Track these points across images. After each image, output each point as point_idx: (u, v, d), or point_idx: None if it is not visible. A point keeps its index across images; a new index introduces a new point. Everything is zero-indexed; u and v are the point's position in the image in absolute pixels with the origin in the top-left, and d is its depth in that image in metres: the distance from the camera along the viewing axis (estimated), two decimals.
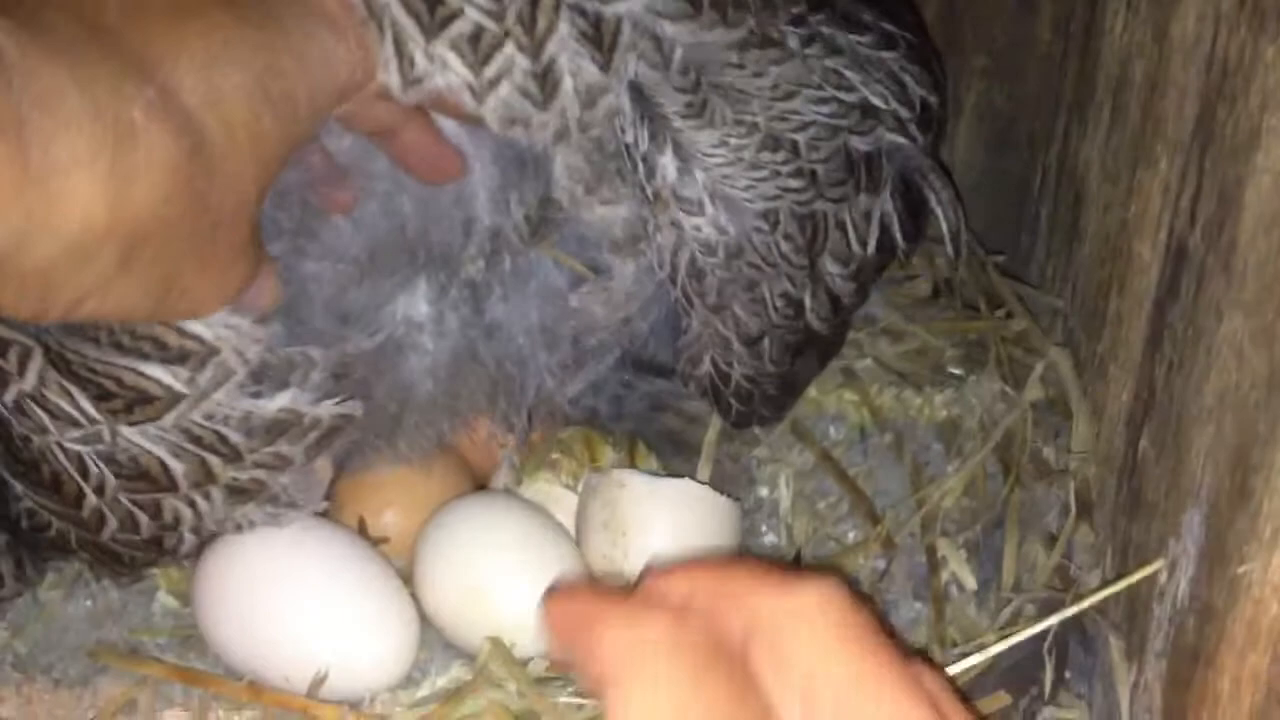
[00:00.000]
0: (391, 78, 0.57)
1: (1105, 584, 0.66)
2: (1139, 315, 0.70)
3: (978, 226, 1.11)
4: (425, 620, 0.75)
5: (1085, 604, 0.62)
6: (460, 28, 0.57)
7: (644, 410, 0.85)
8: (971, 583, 0.74)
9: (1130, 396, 0.71)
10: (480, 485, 0.84)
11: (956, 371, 0.92)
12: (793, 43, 0.69)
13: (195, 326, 0.62)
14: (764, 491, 0.87)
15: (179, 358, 0.63)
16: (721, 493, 0.77)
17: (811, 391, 0.94)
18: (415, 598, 0.75)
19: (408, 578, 0.76)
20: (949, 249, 0.78)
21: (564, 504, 0.80)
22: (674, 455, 0.85)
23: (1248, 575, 0.50)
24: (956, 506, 0.82)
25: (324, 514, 0.75)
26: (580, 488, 0.79)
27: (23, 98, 0.45)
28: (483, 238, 0.68)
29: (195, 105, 0.49)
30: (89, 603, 0.81)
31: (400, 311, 0.70)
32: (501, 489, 0.82)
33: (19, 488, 0.69)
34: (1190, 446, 0.59)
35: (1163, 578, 0.61)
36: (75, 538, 0.70)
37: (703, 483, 0.79)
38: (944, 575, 0.76)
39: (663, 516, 0.75)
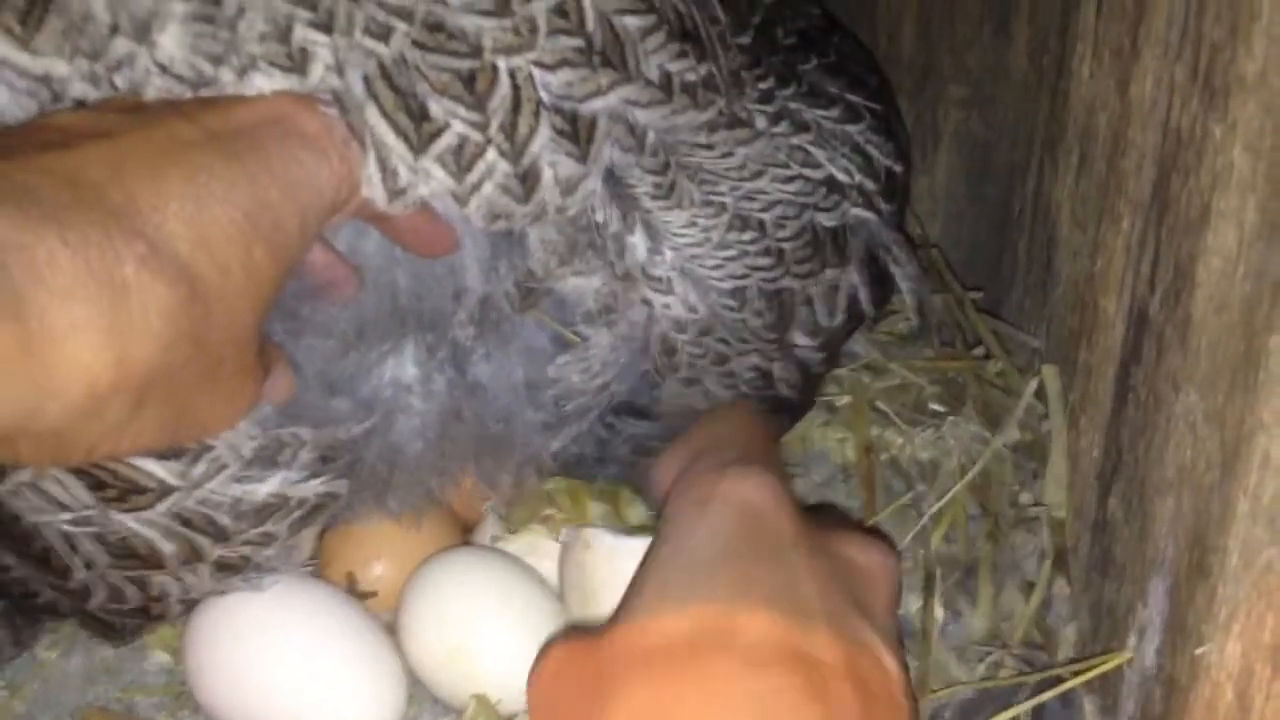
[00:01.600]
0: (376, 191, 0.58)
1: (1074, 661, 0.67)
2: (1107, 372, 0.71)
3: (960, 255, 1.12)
4: (411, 675, 0.76)
5: (1052, 693, 0.64)
6: (446, 141, 0.58)
7: (627, 454, 0.86)
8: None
9: (1100, 453, 0.72)
10: (467, 536, 0.86)
11: (938, 408, 0.93)
12: (760, 122, 0.70)
13: None
14: None
15: (174, 453, 0.65)
16: None
17: (796, 428, 0.96)
18: (401, 651, 0.76)
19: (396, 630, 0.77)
20: (914, 320, 0.79)
21: (551, 556, 0.81)
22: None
23: (1206, 656, 0.51)
24: (936, 550, 0.83)
25: (313, 567, 0.77)
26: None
27: (15, 271, 0.45)
28: (473, 305, 0.69)
29: (186, 251, 0.50)
30: (84, 660, 0.83)
31: (389, 374, 0.71)
32: (487, 541, 0.83)
33: (8, 558, 0.70)
34: (1155, 515, 0.60)
35: (1133, 640, 0.62)
36: (67, 606, 0.71)
37: None
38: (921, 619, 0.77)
39: (601, 574, 0.75)
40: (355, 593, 0.79)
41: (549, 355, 0.74)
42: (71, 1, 0.53)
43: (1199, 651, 0.51)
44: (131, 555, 0.67)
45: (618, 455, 0.85)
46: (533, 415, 0.76)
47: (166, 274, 0.49)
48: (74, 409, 0.48)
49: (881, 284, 0.77)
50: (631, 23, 0.61)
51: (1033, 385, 0.84)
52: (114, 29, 0.53)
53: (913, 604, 0.78)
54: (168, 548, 0.67)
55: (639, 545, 0.76)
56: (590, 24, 0.59)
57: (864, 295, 0.75)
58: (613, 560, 0.75)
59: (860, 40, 0.94)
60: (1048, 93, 0.94)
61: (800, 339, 0.74)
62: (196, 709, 0.77)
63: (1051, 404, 0.79)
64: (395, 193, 0.58)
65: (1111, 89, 0.74)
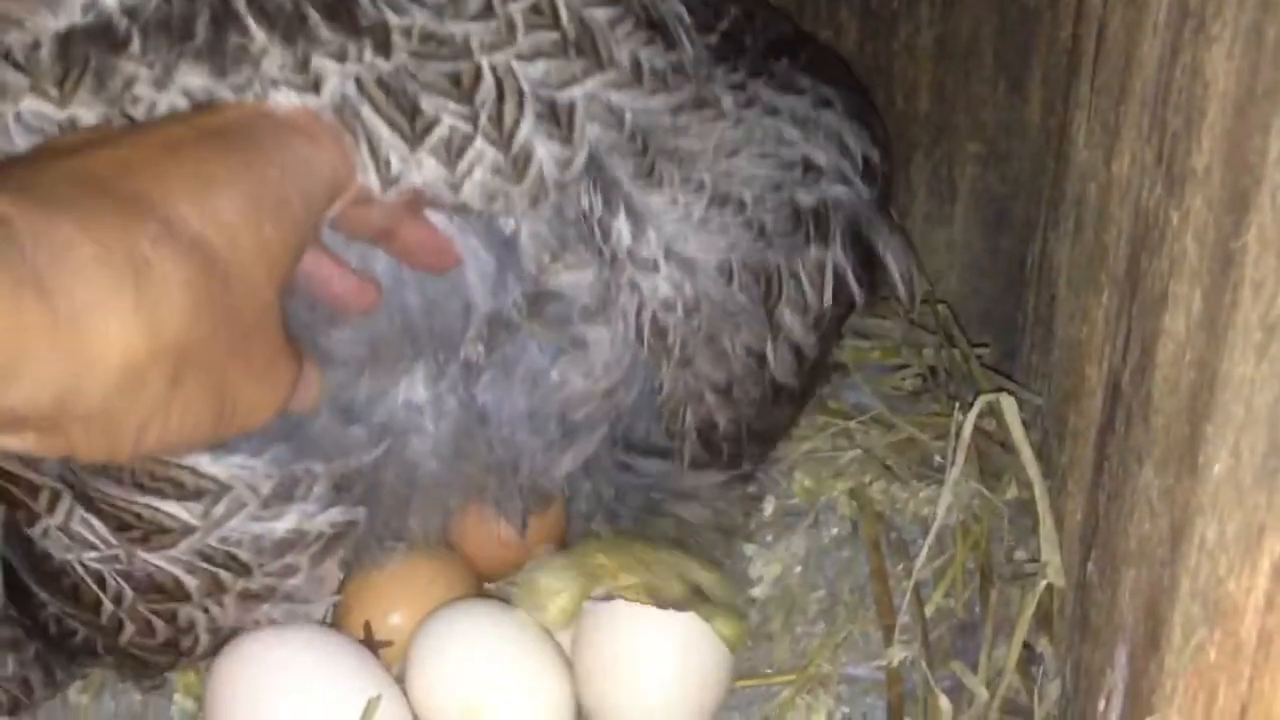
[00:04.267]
0: (370, 179, 0.62)
1: None
2: (1089, 438, 0.73)
3: (977, 307, 1.14)
4: None
5: None
6: (439, 134, 0.63)
7: (639, 510, 0.89)
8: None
9: (1082, 516, 0.73)
10: (484, 587, 0.88)
11: (942, 462, 0.95)
12: (730, 104, 0.74)
13: (210, 468, 0.69)
14: (755, 592, 0.91)
15: (194, 495, 0.69)
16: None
17: (806, 481, 0.98)
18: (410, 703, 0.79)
19: None
20: (901, 293, 0.82)
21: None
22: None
23: None
24: (934, 606, 0.85)
25: (333, 615, 0.80)
26: None
27: (36, 256, 0.49)
28: (481, 323, 0.73)
29: (197, 228, 0.54)
30: (112, 704, 0.87)
31: (401, 397, 0.75)
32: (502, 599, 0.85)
33: (42, 594, 0.75)
34: (1121, 583, 0.62)
35: (1102, 704, 0.64)
36: (100, 644, 0.75)
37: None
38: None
39: (618, 646, 0.79)
40: (371, 643, 0.82)
41: (554, 384, 0.76)
42: (101, 63, 0.59)
43: None
44: (157, 589, 0.72)
45: (633, 504, 0.88)
46: (538, 441, 0.78)
47: (181, 248, 0.53)
48: (113, 383, 0.52)
49: (869, 266, 0.80)
50: (601, 14, 0.66)
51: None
52: (134, 80, 0.59)
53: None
54: (192, 582, 0.72)
55: (653, 621, 0.79)
56: (564, 18, 0.65)
57: (851, 276, 0.78)
58: (626, 637, 0.78)
59: (844, 61, 0.97)
60: (1053, 155, 0.96)
61: (789, 317, 0.76)
62: None
63: (1030, 470, 0.81)
64: (389, 181, 0.62)
65: (1100, 161, 0.76)
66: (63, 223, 0.50)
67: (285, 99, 0.60)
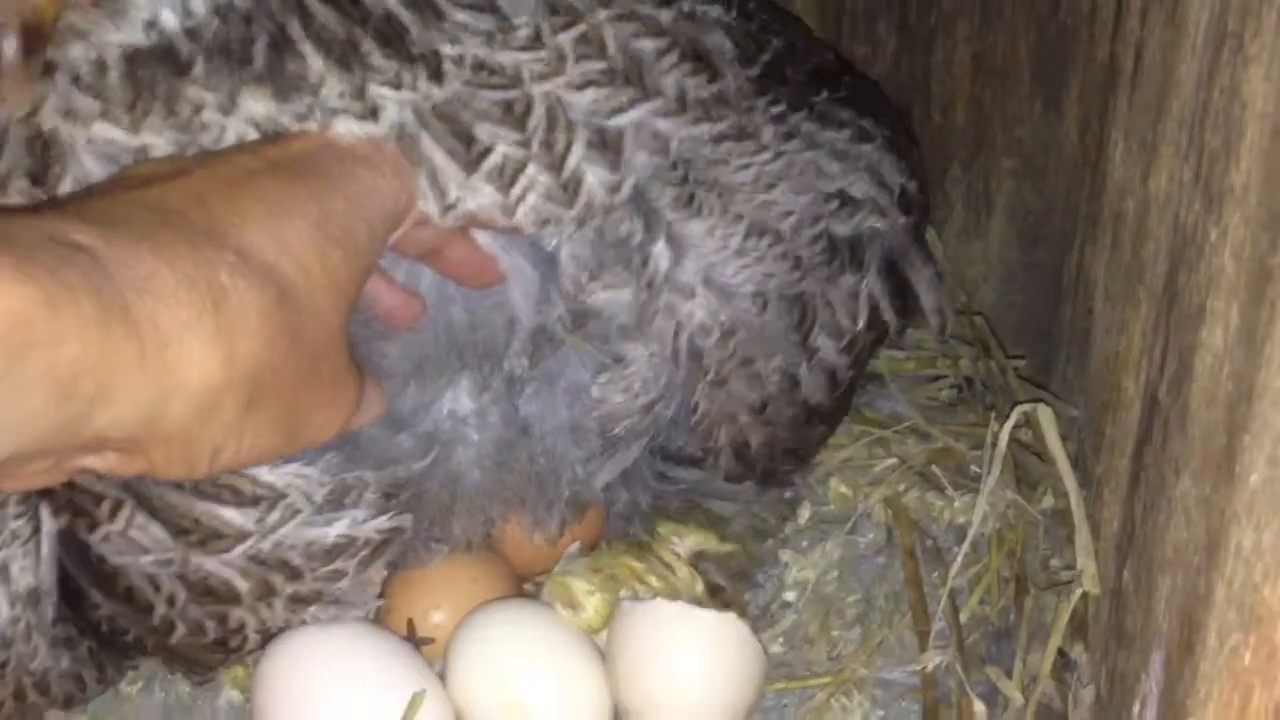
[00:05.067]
0: (429, 206, 0.65)
1: None
2: (1125, 449, 0.74)
3: (1012, 320, 1.15)
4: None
5: None
6: (493, 161, 0.65)
7: (676, 510, 0.90)
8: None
9: (1118, 525, 0.75)
10: (524, 588, 0.90)
11: (978, 471, 0.96)
12: (771, 138, 0.76)
13: (267, 476, 0.71)
14: (790, 595, 0.92)
15: (251, 501, 0.71)
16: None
17: (842, 488, 1.00)
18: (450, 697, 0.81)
19: None
20: (932, 325, 0.84)
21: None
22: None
23: None
24: (969, 612, 0.86)
25: (377, 613, 0.82)
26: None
27: (122, 286, 0.51)
28: (525, 336, 0.75)
29: (270, 258, 0.57)
30: (162, 696, 0.89)
31: (446, 408, 0.77)
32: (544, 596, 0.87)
33: (96, 595, 0.77)
34: (1157, 590, 0.63)
35: (1136, 709, 0.65)
36: (151, 643, 0.78)
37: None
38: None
39: (653, 645, 0.80)
40: (414, 640, 0.84)
41: (595, 399, 0.78)
42: (169, 88, 0.61)
43: None
44: (210, 592, 0.74)
45: (669, 507, 0.90)
46: (577, 453, 0.81)
47: (256, 277, 0.56)
48: (194, 406, 0.54)
49: (903, 296, 0.82)
50: (647, 45, 0.69)
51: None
52: (201, 106, 0.61)
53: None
54: (244, 585, 0.74)
55: (688, 621, 0.80)
56: (611, 49, 0.68)
57: (885, 304, 0.80)
58: (661, 636, 0.80)
59: (882, 92, 0.99)
60: (1090, 170, 0.97)
61: (823, 342, 0.78)
62: None
63: (1066, 479, 0.82)
64: (447, 207, 0.65)
65: (1137, 178, 0.77)
66: (145, 254, 0.53)
67: (346, 128, 0.62)
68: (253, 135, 0.61)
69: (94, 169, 0.61)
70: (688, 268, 0.73)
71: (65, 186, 0.61)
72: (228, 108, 0.61)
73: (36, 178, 0.62)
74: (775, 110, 0.77)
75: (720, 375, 0.76)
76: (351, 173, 0.62)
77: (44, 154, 0.61)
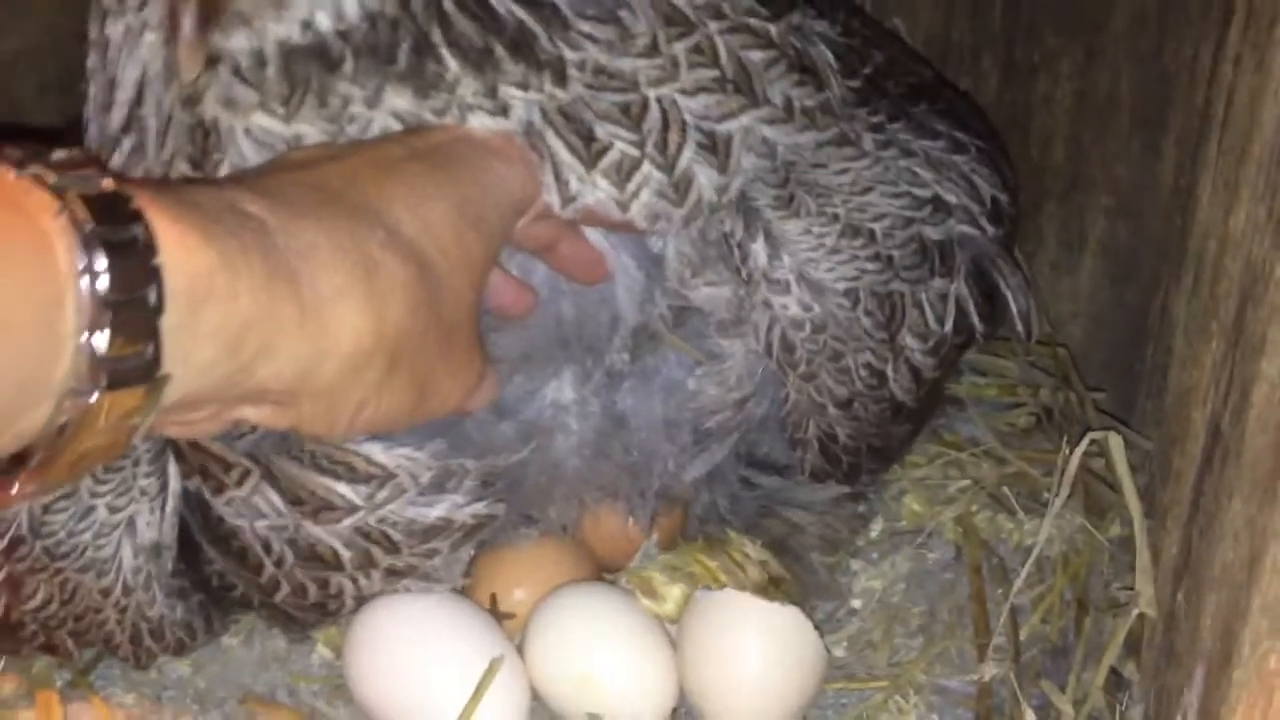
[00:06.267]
0: (552, 198, 0.70)
1: None
2: (1189, 478, 0.76)
3: (1100, 356, 1.17)
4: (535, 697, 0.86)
5: None
6: (611, 158, 0.71)
7: (752, 515, 0.94)
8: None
9: (1177, 551, 0.77)
10: (604, 575, 0.94)
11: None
12: (870, 145, 0.81)
13: (380, 456, 0.77)
14: (857, 603, 0.96)
15: (364, 479, 0.77)
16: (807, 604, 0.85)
17: (915, 505, 1.03)
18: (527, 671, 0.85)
19: None
20: (1019, 329, 0.88)
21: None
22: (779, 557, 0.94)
23: None
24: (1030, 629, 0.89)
25: (463, 588, 0.87)
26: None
27: (287, 252, 0.57)
28: (627, 332, 0.79)
29: (413, 237, 0.62)
30: (260, 649, 0.95)
31: (549, 397, 0.82)
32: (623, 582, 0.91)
33: (211, 553, 0.83)
34: (1204, 609, 0.66)
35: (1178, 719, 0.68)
36: (256, 600, 0.84)
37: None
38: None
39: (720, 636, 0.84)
40: (496, 614, 0.89)
41: (690, 392, 0.83)
42: (321, 82, 0.67)
43: None
44: (315, 558, 0.79)
45: (746, 512, 0.94)
46: (671, 446, 0.85)
47: (402, 253, 0.61)
48: (344, 364, 0.59)
49: (991, 301, 0.86)
50: (756, 56, 0.74)
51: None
52: (349, 100, 0.67)
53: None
54: (347, 554, 0.79)
55: (755, 615, 0.84)
56: (723, 58, 0.73)
57: (972, 307, 0.84)
58: (728, 627, 0.84)
59: (980, 109, 1.02)
60: (1180, 212, 1.00)
61: (911, 341, 0.82)
62: (349, 700, 0.89)
63: (1130, 503, 0.85)
64: (568, 199, 0.71)
65: (1219, 218, 0.80)
66: (307, 226, 0.58)
67: (480, 123, 0.68)
68: (396, 127, 0.67)
69: (250, 155, 0.67)
70: (784, 264, 0.78)
71: (223, 171, 0.67)
72: (373, 102, 0.67)
73: (196, 163, 0.68)
74: (874, 119, 0.82)
75: (811, 369, 0.80)
76: (485, 163, 0.67)
77: (204, 141, 0.68)
